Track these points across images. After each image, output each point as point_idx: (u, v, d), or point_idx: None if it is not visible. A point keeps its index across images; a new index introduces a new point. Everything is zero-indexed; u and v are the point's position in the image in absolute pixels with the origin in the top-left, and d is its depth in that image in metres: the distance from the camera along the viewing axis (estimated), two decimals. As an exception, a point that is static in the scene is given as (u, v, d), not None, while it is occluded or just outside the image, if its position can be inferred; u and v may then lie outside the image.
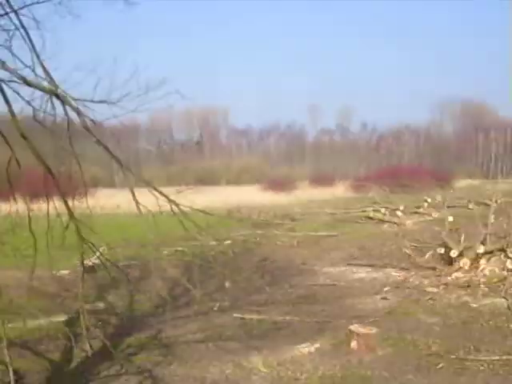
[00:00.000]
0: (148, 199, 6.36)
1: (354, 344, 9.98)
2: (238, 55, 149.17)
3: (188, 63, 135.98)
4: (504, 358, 9.54)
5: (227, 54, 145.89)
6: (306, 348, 10.09)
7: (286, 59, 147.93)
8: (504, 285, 14.13)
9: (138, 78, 6.17)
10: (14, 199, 7.06)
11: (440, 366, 9.40)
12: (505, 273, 14.76)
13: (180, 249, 18.31)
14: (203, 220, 7.17)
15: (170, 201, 6.33)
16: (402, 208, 30.37)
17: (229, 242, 21.10)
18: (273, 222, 27.38)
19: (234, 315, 12.24)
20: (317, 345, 10.21)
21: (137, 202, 6.24)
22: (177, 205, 6.35)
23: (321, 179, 67.00)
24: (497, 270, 14.91)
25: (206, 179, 66.69)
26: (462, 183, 63.37)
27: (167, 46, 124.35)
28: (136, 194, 6.40)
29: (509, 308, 12.51)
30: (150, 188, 6.35)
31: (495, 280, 14.50)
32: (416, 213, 30.47)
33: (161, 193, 6.34)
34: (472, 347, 10.06)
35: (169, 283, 13.61)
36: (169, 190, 6.68)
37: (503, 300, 13.06)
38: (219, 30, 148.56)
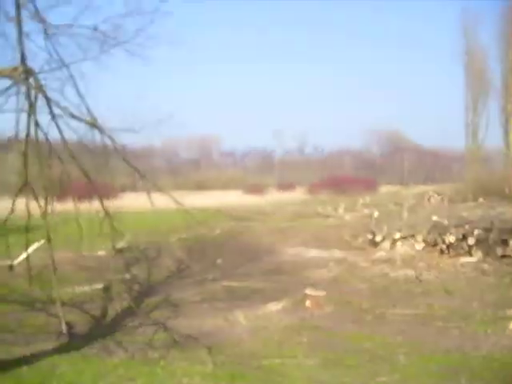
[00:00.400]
0: (160, 200, 6.41)
1: (308, 303, 10.07)
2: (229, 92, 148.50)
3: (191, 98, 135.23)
4: (413, 311, 9.67)
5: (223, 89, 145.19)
6: (274, 306, 10.13)
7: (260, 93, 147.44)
8: (413, 260, 14.29)
9: (153, 112, 6.25)
10: (66, 201, 7.12)
11: (368, 318, 9.50)
12: (414, 252, 14.91)
13: (184, 236, 18.26)
14: (201, 215, 7.23)
15: (177, 201, 6.38)
16: (342, 206, 30.48)
17: (219, 231, 21.09)
18: (251, 217, 27.32)
19: (223, 283, 12.25)
20: (282, 304, 10.25)
21: (151, 203, 6.31)
22: (181, 204, 6.41)
23: (284, 186, 67.33)
24: (408, 250, 15.06)
25: (203, 186, 66.90)
26: (384, 189, 63.77)
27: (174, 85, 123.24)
28: (152, 196, 6.46)
29: (416, 277, 12.62)
30: (161, 192, 6.41)
31: (407, 257, 14.63)
32: (352, 210, 30.59)
33: (170, 195, 6.39)
34: (391, 304, 10.17)
35: (176, 261, 13.63)
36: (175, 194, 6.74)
37: (413, 271, 13.18)
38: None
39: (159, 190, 6.48)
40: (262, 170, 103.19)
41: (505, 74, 61.86)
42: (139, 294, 11.51)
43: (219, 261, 14.19)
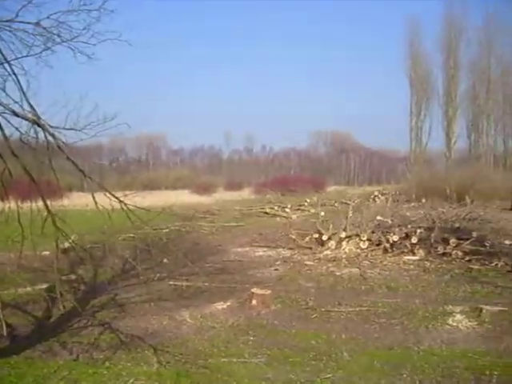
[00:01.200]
0: (106, 200, 6.33)
1: (254, 302, 10.07)
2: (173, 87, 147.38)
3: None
4: (357, 309, 9.82)
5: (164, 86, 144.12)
6: (220, 305, 10.09)
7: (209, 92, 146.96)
8: (358, 259, 14.53)
9: (98, 111, 6.16)
10: (8, 199, 6.92)
11: (314, 316, 9.59)
12: (359, 251, 15.14)
13: (131, 235, 18.00)
14: (148, 214, 7.15)
15: (120, 201, 6.30)
16: (289, 206, 30.72)
17: (166, 230, 20.92)
18: (198, 216, 27.22)
19: (169, 283, 12.16)
20: (228, 303, 10.22)
21: (96, 202, 6.21)
22: (125, 204, 6.33)
23: (232, 185, 67.37)
24: (354, 249, 15.27)
25: (151, 186, 66.27)
26: (331, 189, 64.60)
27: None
28: (100, 196, 6.36)
29: (361, 275, 12.83)
30: (105, 191, 6.31)
31: (352, 256, 14.85)
32: (299, 209, 30.86)
33: (113, 195, 6.31)
34: (336, 302, 10.28)
35: (122, 261, 13.42)
36: (121, 194, 6.66)
37: (357, 269, 13.39)
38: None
39: (103, 189, 6.38)
40: (209, 170, 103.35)
41: (447, 80, 63.93)
42: (84, 295, 11.29)
43: (166, 260, 14.05)
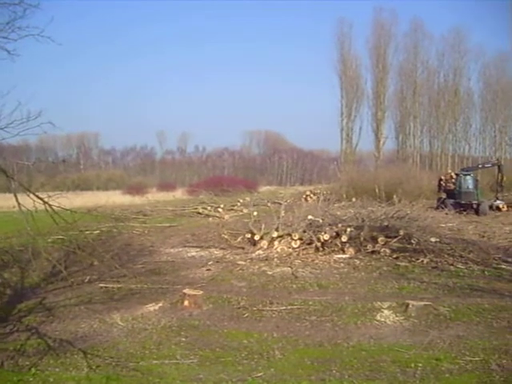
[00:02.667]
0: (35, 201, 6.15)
1: (186, 303, 10.03)
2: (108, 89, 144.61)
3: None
4: (289, 307, 9.94)
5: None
6: (152, 307, 10.00)
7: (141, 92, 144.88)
8: (290, 258, 14.68)
9: (22, 110, 5.97)
10: None
11: (246, 315, 9.63)
12: (291, 250, 15.29)
13: (61, 237, 17.54)
14: (74, 216, 7.01)
15: (44, 202, 6.14)
16: (222, 206, 30.68)
17: (97, 232, 20.52)
18: (130, 217, 26.80)
19: (100, 285, 11.92)
20: (160, 304, 10.14)
21: (18, 204, 6.02)
22: (49, 205, 6.17)
23: (165, 186, 66.79)
24: (285, 248, 15.41)
25: (82, 186, 64.87)
26: (263, 189, 64.98)
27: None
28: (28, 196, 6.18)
29: (293, 274, 12.98)
30: (28, 192, 6.14)
31: (284, 255, 14.98)
32: (232, 209, 30.88)
33: (37, 196, 6.14)
34: (268, 301, 10.35)
35: (51, 263, 13.06)
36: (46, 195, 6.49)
37: (289, 268, 13.53)
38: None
39: (26, 190, 6.19)
40: (142, 170, 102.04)
41: (375, 83, 65.75)
42: (11, 299, 10.92)
43: (96, 262, 13.77)
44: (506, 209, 30.26)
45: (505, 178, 32.68)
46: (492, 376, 6.71)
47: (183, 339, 8.31)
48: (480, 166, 35.95)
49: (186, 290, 10.35)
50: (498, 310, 9.75)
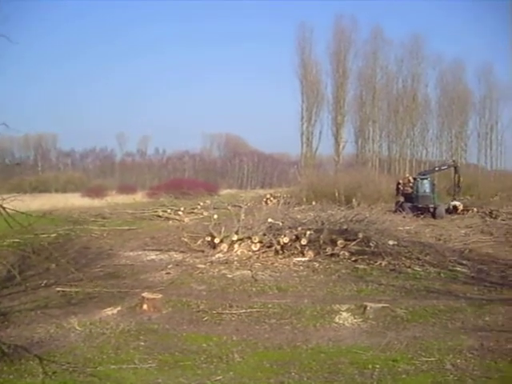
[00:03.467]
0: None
1: (145, 306, 9.94)
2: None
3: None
4: (248, 310, 9.95)
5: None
6: (110, 311, 9.88)
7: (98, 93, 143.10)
8: (250, 261, 14.72)
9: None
10: None
11: (205, 318, 9.61)
12: (250, 253, 15.33)
13: (17, 240, 17.19)
14: (35, 219, 6.89)
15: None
16: (182, 209, 30.54)
17: (54, 235, 20.17)
18: (89, 220, 26.41)
19: (57, 289, 11.71)
20: (118, 308, 10.02)
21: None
22: (3, 208, 6.05)
23: (125, 189, 66.05)
24: (245, 251, 15.44)
25: (39, 188, 63.65)
26: (224, 192, 64.85)
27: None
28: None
29: (252, 277, 13.01)
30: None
31: (244, 258, 15.01)
32: (192, 212, 30.76)
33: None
34: (227, 305, 10.35)
35: (6, 268, 12.77)
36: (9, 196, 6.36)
37: (249, 271, 13.57)
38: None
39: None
40: (102, 173, 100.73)
41: (336, 87, 66.52)
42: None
43: (54, 266, 13.53)
44: (462, 208, 30.96)
45: (462, 179, 33.44)
46: (446, 375, 6.84)
47: (142, 343, 8.23)
48: (436, 168, 36.63)
49: (145, 294, 10.26)
50: (453, 312, 9.98)
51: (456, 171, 33.63)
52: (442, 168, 36.46)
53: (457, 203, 31.42)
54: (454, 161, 39.10)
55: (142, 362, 7.40)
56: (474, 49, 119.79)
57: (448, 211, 30.50)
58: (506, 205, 33.35)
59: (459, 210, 30.67)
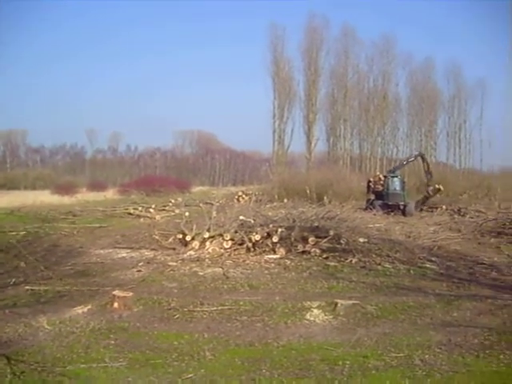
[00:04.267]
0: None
1: (116, 305, 9.85)
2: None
3: None
4: (220, 308, 9.94)
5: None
6: (80, 309, 9.76)
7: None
8: (221, 259, 14.70)
9: None
10: None
11: (176, 316, 9.56)
12: (222, 251, 15.30)
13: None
14: (3, 216, 6.79)
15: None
16: (153, 206, 30.40)
17: (24, 232, 19.90)
18: (59, 218, 26.09)
19: (26, 287, 11.52)
20: (88, 306, 9.90)
21: None
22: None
23: (96, 186, 65.58)
24: (217, 249, 15.41)
25: (8, 185, 62.73)
26: (196, 189, 64.75)
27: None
28: None
29: (224, 274, 13.00)
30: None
31: (216, 256, 14.97)
32: (163, 210, 30.65)
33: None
34: (199, 302, 10.31)
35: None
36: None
37: (220, 269, 13.55)
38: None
39: None
40: (72, 169, 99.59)
41: (307, 85, 66.85)
42: None
43: (23, 264, 13.34)
44: (439, 187, 31.75)
45: (431, 166, 34.06)
46: (415, 371, 6.94)
47: (112, 342, 8.16)
48: (404, 162, 37.08)
49: (116, 292, 10.17)
50: (422, 308, 10.12)
51: (423, 160, 34.27)
52: (410, 160, 36.91)
53: (436, 186, 32.10)
54: (419, 151, 39.62)
55: (112, 360, 7.34)
56: (444, 49, 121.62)
57: (433, 193, 31.24)
58: (474, 203, 34.06)
59: (441, 191, 31.52)
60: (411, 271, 13.67)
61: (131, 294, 10.28)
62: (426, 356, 7.50)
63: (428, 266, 14.31)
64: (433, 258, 15.13)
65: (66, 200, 43.10)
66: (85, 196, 46.23)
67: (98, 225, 24.01)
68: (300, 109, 67.22)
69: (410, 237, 19.05)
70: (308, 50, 66.85)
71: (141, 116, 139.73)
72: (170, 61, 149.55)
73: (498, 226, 20.74)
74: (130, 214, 29.14)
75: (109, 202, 38.09)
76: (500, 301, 10.61)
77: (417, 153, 37.69)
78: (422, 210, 32.10)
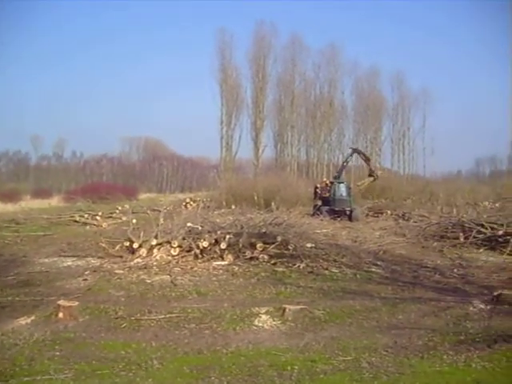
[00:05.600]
0: None
1: (61, 315, 9.62)
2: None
3: None
4: (168, 316, 9.84)
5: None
6: (23, 320, 9.49)
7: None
8: (169, 266, 14.56)
9: None
10: None
11: (124, 325, 9.41)
12: (170, 258, 15.17)
13: None
14: None
15: None
16: (100, 214, 29.94)
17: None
18: (1, 225, 25.29)
19: (-34, 299, 11.14)
20: (32, 317, 9.63)
21: None
22: None
23: (40, 193, 64.10)
24: (165, 256, 15.26)
25: None
26: (143, 196, 64.09)
27: None
28: None
29: (172, 282, 12.88)
30: None
31: (163, 263, 14.82)
32: (110, 217, 30.25)
33: None
34: (146, 310, 10.18)
35: None
36: None
37: (168, 276, 13.42)
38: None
39: None
40: (15, 176, 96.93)
41: (255, 92, 67.20)
42: None
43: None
44: (380, 172, 32.73)
45: (367, 154, 35.03)
46: (362, 373, 7.04)
47: (57, 353, 7.95)
48: (344, 163, 37.68)
49: (61, 302, 9.94)
50: (369, 311, 10.29)
51: (359, 153, 35.08)
52: (348, 160, 37.56)
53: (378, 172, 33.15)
54: (350, 147, 40.49)
55: (57, 372, 7.14)
56: (388, 57, 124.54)
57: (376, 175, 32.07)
58: (418, 207, 34.88)
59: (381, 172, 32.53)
60: (357, 275, 13.89)
61: (77, 303, 10.06)
62: (373, 358, 7.62)
63: (374, 270, 14.57)
64: (378, 262, 15.42)
65: (9, 207, 41.84)
66: (29, 203, 45.01)
67: (42, 233, 23.43)
68: (248, 115, 67.55)
69: (356, 242, 19.37)
70: (256, 58, 67.26)
71: (86, 122, 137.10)
72: (116, 66, 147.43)
73: (441, 230, 21.26)
74: (75, 221, 28.58)
75: (54, 209, 37.28)
76: (443, 303, 10.88)
77: (350, 150, 38.30)
78: (367, 214, 32.70)
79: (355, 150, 35.74)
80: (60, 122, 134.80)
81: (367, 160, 34.65)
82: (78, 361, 7.60)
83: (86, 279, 13.35)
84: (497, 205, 37.27)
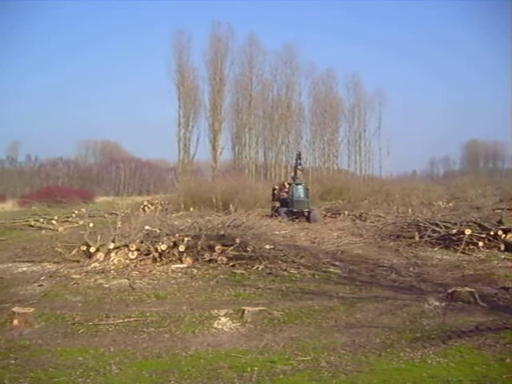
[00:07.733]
0: None
1: (15, 322, 9.40)
2: None
3: None
4: (126, 320, 9.74)
5: None
6: (-24, 329, 9.25)
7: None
8: (127, 270, 14.41)
9: None
10: None
11: (81, 331, 9.26)
12: (128, 261, 14.99)
13: None
14: None
15: None
16: (56, 218, 29.39)
17: None
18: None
19: None
20: (-16, 326, 9.41)
21: None
22: None
23: (-7, 197, 62.47)
24: (122, 259, 15.07)
25: None
26: (100, 199, 63.08)
27: None
28: None
29: (130, 286, 12.75)
30: None
31: (121, 267, 14.64)
32: (66, 221, 29.70)
33: None
34: (104, 315, 10.05)
35: None
36: None
37: (126, 280, 13.27)
38: None
39: None
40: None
41: (213, 94, 67.03)
42: None
43: None
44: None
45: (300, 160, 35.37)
46: (322, 373, 7.10)
47: (12, 361, 7.75)
48: (294, 166, 37.73)
49: (16, 309, 9.71)
50: (327, 311, 10.39)
51: (298, 158, 35.45)
52: (297, 163, 37.55)
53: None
54: (296, 152, 40.80)
55: (12, 381, 6.96)
56: (345, 59, 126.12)
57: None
58: (374, 208, 35.39)
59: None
60: (316, 276, 14.00)
61: (32, 309, 9.85)
62: (332, 358, 7.70)
63: (332, 270, 14.72)
64: (336, 263, 15.59)
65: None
66: (-19, 209, 43.95)
67: (-4, 238, 22.88)
68: (205, 118, 67.29)
69: (314, 242, 19.54)
70: (213, 59, 67.10)
71: (42, 125, 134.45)
72: (71, 67, 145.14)
73: (397, 230, 21.59)
74: (30, 226, 27.96)
75: (8, 213, 36.47)
76: (399, 301, 11.09)
77: (297, 153, 38.50)
78: (325, 215, 32.99)
79: (298, 155, 36.12)
80: (13, 125, 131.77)
81: (295, 167, 35.10)
82: (33, 368, 7.43)
83: (41, 285, 13.08)
84: (450, 204, 38.34)
